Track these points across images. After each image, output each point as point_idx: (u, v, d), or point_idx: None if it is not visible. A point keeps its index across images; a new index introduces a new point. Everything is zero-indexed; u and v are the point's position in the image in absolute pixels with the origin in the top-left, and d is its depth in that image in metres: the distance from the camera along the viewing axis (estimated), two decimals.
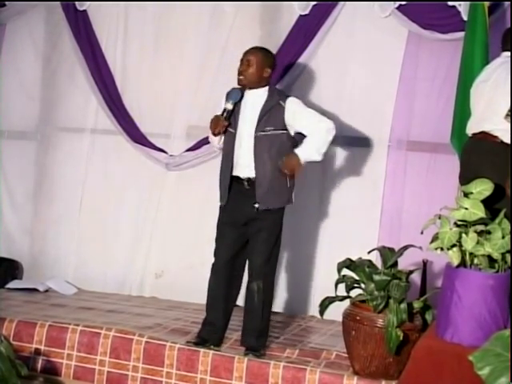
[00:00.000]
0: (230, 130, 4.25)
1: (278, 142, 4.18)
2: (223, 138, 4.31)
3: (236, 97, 4.25)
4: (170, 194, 5.57)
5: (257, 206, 4.16)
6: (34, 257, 5.86)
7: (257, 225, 4.20)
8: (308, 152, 4.17)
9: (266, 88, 4.26)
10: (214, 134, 4.29)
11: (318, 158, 4.21)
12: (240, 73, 4.24)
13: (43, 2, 5.83)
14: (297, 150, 4.15)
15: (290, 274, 5.24)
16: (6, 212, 5.96)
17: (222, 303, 4.32)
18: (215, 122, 4.24)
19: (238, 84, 4.27)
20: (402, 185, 5.02)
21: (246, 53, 4.27)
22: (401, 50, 5.03)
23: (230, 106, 4.24)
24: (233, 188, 4.24)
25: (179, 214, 5.52)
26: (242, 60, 4.26)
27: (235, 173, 4.22)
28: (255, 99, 4.23)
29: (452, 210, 3.51)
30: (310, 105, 5.15)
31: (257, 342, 4.23)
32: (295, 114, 4.18)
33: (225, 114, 4.23)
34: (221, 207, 4.33)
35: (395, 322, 3.76)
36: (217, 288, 4.32)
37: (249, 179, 4.20)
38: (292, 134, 4.24)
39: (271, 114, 4.17)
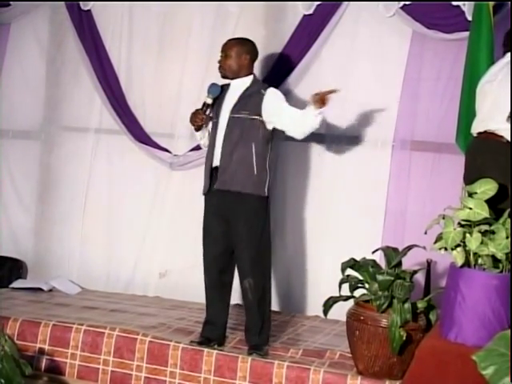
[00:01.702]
0: (214, 120, 4.33)
1: (250, 127, 4.22)
2: (206, 133, 4.38)
3: (215, 91, 4.33)
4: (174, 194, 5.57)
5: (215, 186, 4.21)
6: (39, 256, 5.88)
7: (234, 219, 4.21)
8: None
9: (250, 77, 4.34)
10: (195, 129, 4.36)
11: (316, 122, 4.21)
12: (219, 65, 4.33)
13: (47, 1, 5.84)
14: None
15: (294, 274, 5.24)
16: (10, 211, 5.98)
17: (219, 301, 4.35)
18: (194, 115, 4.29)
19: (221, 76, 4.35)
20: (406, 184, 5.01)
21: (223, 45, 4.36)
22: (405, 50, 5.03)
23: (209, 100, 4.31)
24: (213, 179, 4.29)
25: (183, 213, 5.53)
26: (221, 53, 4.34)
27: (215, 163, 4.27)
28: (237, 87, 4.31)
29: (456, 210, 3.51)
30: None
31: (259, 339, 4.24)
32: (275, 106, 4.23)
33: (204, 108, 4.30)
34: (204, 199, 4.37)
35: (399, 322, 3.76)
36: (211, 286, 4.35)
37: (220, 166, 4.24)
38: (267, 124, 4.26)
39: (249, 99, 4.24)
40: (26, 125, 6.00)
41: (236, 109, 4.25)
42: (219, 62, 4.34)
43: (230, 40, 4.40)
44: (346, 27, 5.16)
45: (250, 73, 4.35)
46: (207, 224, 4.37)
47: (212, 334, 4.32)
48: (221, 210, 4.28)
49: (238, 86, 4.31)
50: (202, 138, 4.43)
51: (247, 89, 4.29)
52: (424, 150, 5.03)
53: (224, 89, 4.37)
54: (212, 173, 4.30)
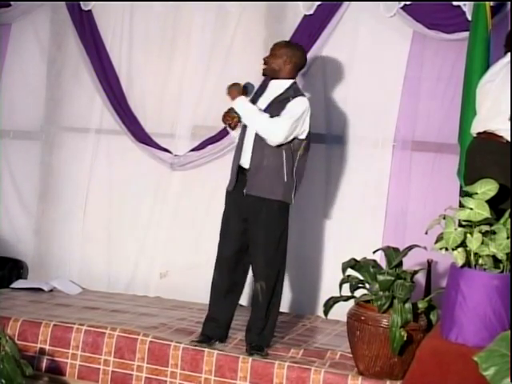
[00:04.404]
0: None
1: None
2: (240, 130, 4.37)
3: (250, 90, 4.32)
4: (175, 194, 5.57)
5: (245, 190, 4.19)
6: (39, 256, 5.87)
7: (254, 223, 4.21)
8: (246, 108, 4.21)
9: (289, 82, 4.30)
10: (231, 128, 4.35)
11: (243, 117, 4.24)
12: (264, 62, 4.33)
13: (48, 2, 5.84)
14: (244, 99, 4.22)
15: (295, 275, 5.24)
16: (11, 211, 5.98)
17: (225, 298, 4.35)
18: (225, 114, 4.29)
19: (262, 74, 4.36)
20: (406, 185, 5.01)
21: (274, 45, 4.36)
22: (405, 50, 5.03)
23: None
24: (238, 177, 4.28)
25: (184, 213, 5.53)
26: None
27: (241, 161, 4.26)
28: (274, 89, 4.30)
29: (457, 210, 3.50)
30: (314, 104, 5.18)
31: (258, 340, 4.23)
32: (288, 106, 4.20)
33: None
34: (226, 195, 4.35)
35: (399, 322, 3.75)
36: (220, 283, 4.34)
37: (248, 171, 4.23)
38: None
39: (279, 104, 4.21)
40: (27, 125, 6.00)
41: (266, 112, 4.22)
42: (264, 58, 4.33)
43: (280, 41, 4.41)
44: (347, 27, 5.16)
45: (291, 77, 4.31)
46: (226, 221, 4.34)
47: (213, 332, 4.33)
48: (241, 210, 4.26)
49: (275, 88, 4.29)
50: (237, 137, 4.38)
51: (281, 94, 4.26)
52: (425, 150, 5.03)
53: (262, 89, 4.37)
54: (238, 172, 4.28)
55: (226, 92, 4.28)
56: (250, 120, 4.21)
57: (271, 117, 4.16)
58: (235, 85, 4.28)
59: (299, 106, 4.20)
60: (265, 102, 4.27)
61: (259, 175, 4.17)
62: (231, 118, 4.26)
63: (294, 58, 4.29)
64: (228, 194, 4.35)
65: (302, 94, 4.29)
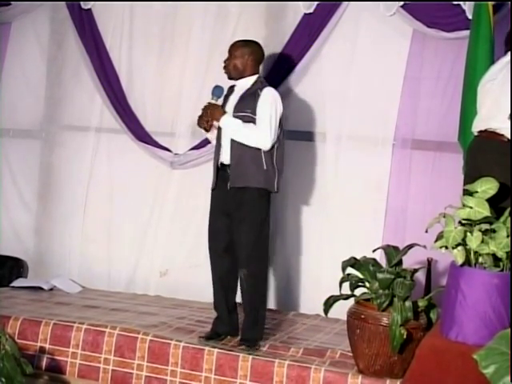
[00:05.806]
0: None
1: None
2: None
3: (219, 92, 4.44)
4: (175, 193, 5.57)
5: (229, 184, 4.27)
6: (39, 255, 5.88)
7: (237, 213, 4.28)
8: (232, 125, 4.29)
9: (254, 77, 4.41)
10: (205, 131, 4.45)
11: (229, 134, 4.31)
12: (224, 66, 4.44)
13: (48, 1, 5.84)
14: (227, 116, 4.31)
15: (295, 273, 5.25)
16: (11, 210, 5.98)
17: (223, 297, 4.41)
18: (199, 119, 4.41)
19: (228, 77, 4.45)
20: (406, 183, 5.01)
21: (229, 47, 4.47)
22: (405, 49, 5.03)
23: (213, 102, 4.40)
24: (219, 175, 4.38)
25: (184, 212, 5.53)
26: (227, 54, 4.45)
27: (221, 159, 4.37)
28: (241, 87, 4.41)
29: (457, 209, 3.51)
30: (314, 104, 5.19)
31: (251, 333, 4.28)
32: (259, 107, 4.28)
33: None
34: (211, 194, 4.45)
35: (399, 321, 3.76)
36: (215, 282, 4.43)
37: (230, 165, 4.31)
38: None
39: (248, 98, 4.33)
40: (27, 124, 6.00)
41: (237, 108, 4.33)
42: (224, 62, 4.43)
43: (235, 41, 4.48)
44: (347, 26, 5.16)
45: (255, 73, 4.42)
46: (211, 219, 4.44)
47: (220, 329, 4.40)
48: (225, 205, 4.34)
49: (242, 86, 4.40)
50: (213, 138, 4.49)
51: (248, 89, 4.37)
52: (425, 148, 5.03)
53: (231, 90, 4.46)
54: (218, 169, 4.37)
55: (203, 113, 4.38)
56: (238, 134, 4.28)
57: (244, 110, 4.28)
58: (213, 105, 4.36)
59: (269, 101, 4.31)
60: (236, 98, 4.37)
61: (240, 167, 4.27)
62: (206, 122, 4.36)
63: (253, 54, 4.41)
64: (212, 192, 4.45)
65: (268, 85, 4.41)
